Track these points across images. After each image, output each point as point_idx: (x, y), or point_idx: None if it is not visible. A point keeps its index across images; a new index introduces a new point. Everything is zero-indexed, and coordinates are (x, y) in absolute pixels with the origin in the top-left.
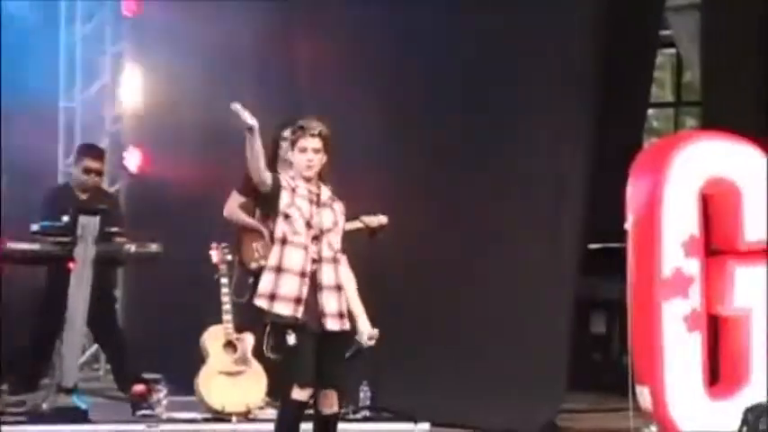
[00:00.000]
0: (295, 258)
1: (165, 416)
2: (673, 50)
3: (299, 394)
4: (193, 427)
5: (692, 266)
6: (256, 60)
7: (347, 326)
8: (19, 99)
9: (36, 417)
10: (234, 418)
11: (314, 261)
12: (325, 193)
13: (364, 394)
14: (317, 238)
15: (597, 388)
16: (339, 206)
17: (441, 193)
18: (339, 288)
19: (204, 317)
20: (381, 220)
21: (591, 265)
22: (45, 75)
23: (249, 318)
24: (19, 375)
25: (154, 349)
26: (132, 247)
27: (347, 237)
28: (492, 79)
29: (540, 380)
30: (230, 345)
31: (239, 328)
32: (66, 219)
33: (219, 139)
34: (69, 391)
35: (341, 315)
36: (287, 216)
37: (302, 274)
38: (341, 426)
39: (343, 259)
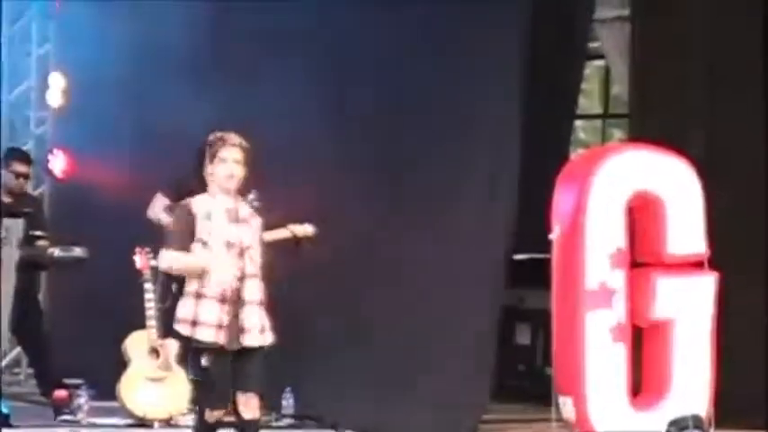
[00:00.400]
0: (214, 283)
1: (86, 421)
2: (602, 62)
3: (211, 416)
4: None
5: (618, 278)
6: (187, 60)
7: (268, 340)
8: None
9: None
10: (156, 424)
11: (238, 279)
12: (244, 208)
13: (287, 401)
14: (240, 255)
15: (521, 398)
16: (256, 221)
17: (369, 195)
18: (262, 303)
19: (129, 322)
20: (307, 230)
21: (516, 276)
22: None
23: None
24: None
25: (77, 354)
26: (56, 251)
27: (274, 246)
28: (419, 84)
29: (464, 389)
30: (154, 351)
31: (163, 334)
32: None
33: (146, 143)
34: None
35: (262, 329)
36: (204, 243)
37: (222, 300)
38: None
39: None
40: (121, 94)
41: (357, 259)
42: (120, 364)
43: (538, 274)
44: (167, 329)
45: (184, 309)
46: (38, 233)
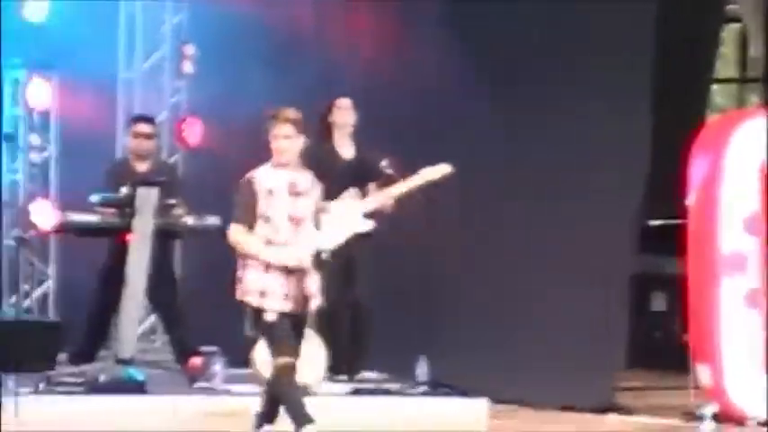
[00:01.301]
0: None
1: (221, 388)
2: (738, 25)
3: (278, 364)
4: (249, 400)
5: (752, 244)
6: (315, 34)
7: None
8: (78, 70)
9: (94, 388)
10: None
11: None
12: (303, 180)
13: (421, 369)
14: (298, 227)
15: (657, 366)
16: (316, 191)
17: (497, 165)
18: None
19: None
20: (444, 169)
21: (651, 242)
22: (105, 46)
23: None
24: (79, 346)
25: (211, 322)
26: (190, 220)
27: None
28: (547, 52)
29: (599, 357)
30: None
31: None
32: (124, 191)
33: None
34: (127, 363)
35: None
36: (267, 219)
37: (288, 271)
38: (399, 400)
39: None
40: (254, 63)
41: (488, 229)
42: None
43: (673, 241)
44: None
45: (253, 280)
46: (172, 202)
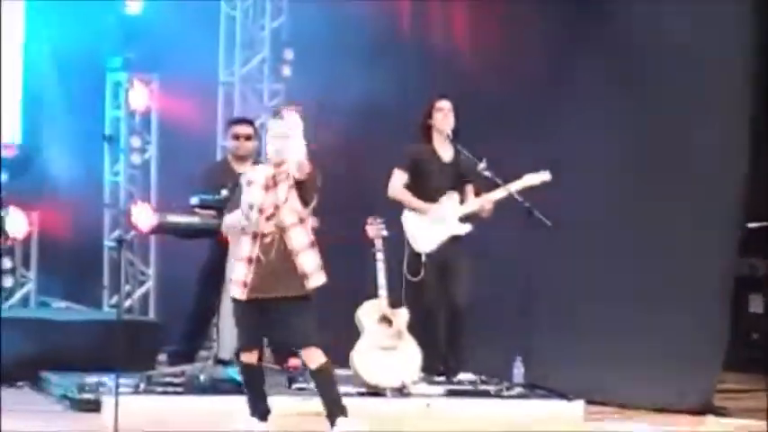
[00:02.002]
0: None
1: None
2: None
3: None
4: (348, 401)
5: None
6: (414, 35)
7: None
8: (178, 73)
9: (193, 388)
10: (388, 393)
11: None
12: (281, 174)
13: (518, 371)
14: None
15: (754, 368)
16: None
17: (596, 166)
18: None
19: (362, 291)
20: (544, 176)
21: (749, 245)
22: (205, 49)
23: (411, 294)
24: (178, 347)
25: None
26: None
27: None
28: (647, 54)
29: (697, 358)
30: (385, 320)
31: (395, 304)
32: (224, 192)
33: (378, 113)
34: (226, 364)
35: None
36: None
37: (249, 260)
38: (496, 402)
39: None
40: (351, 67)
41: (586, 231)
42: (353, 332)
43: None
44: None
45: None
46: None
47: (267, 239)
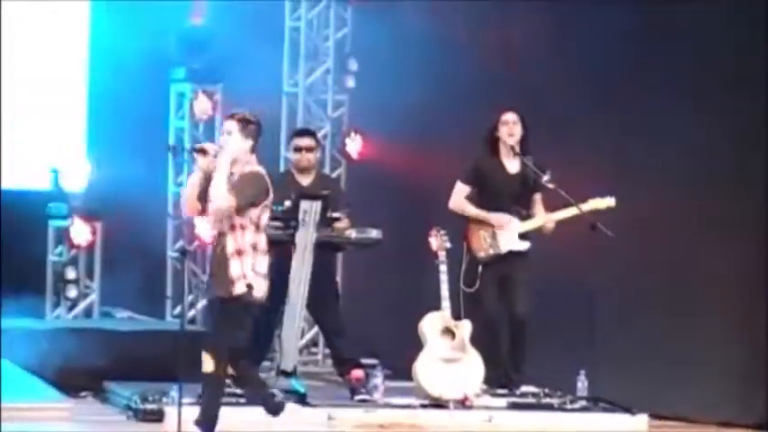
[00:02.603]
0: None
1: (382, 401)
2: None
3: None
4: (410, 413)
5: None
6: (472, 47)
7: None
8: (242, 84)
9: (255, 399)
10: (451, 405)
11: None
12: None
13: (582, 384)
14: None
15: None
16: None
17: (655, 178)
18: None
19: (422, 303)
20: (609, 202)
21: None
22: (269, 60)
23: (470, 306)
24: None
25: (372, 334)
26: (353, 233)
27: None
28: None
29: (761, 373)
30: (448, 331)
31: (458, 316)
32: (288, 204)
33: (440, 127)
34: (288, 375)
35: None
36: None
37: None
38: (559, 415)
39: None
40: (415, 78)
41: (648, 244)
42: (415, 344)
43: None
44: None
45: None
46: (335, 215)
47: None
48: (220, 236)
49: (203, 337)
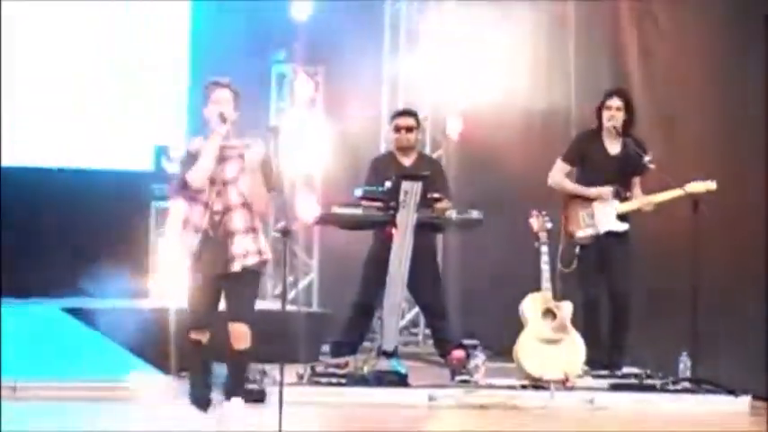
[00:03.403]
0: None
1: (482, 382)
2: None
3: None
4: (511, 394)
5: None
6: (582, 30)
7: (250, 262)
8: (343, 66)
9: (356, 380)
10: (552, 386)
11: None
12: (232, 146)
13: (684, 365)
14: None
15: None
16: (249, 153)
17: (761, 161)
18: (248, 231)
19: (522, 284)
20: (709, 185)
21: None
22: (370, 41)
23: (570, 286)
24: (342, 338)
25: (472, 315)
26: (454, 214)
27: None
28: None
29: None
30: (549, 312)
31: (559, 296)
32: (388, 184)
33: (543, 107)
34: (389, 355)
35: (245, 255)
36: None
37: (198, 229)
38: (660, 396)
39: None
40: (517, 59)
41: (751, 225)
42: (515, 325)
43: None
44: (563, 292)
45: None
46: (436, 195)
47: (216, 216)
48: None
49: (233, 311)
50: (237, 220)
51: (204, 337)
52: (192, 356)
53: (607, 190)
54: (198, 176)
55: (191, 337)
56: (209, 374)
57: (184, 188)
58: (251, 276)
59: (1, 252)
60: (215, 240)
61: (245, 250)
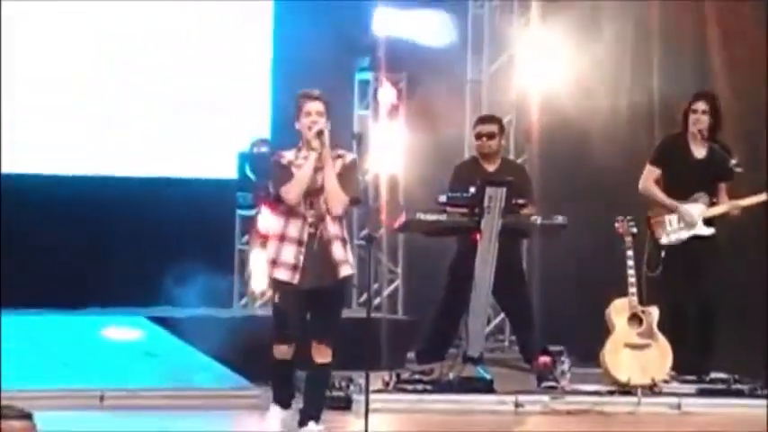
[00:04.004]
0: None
1: (568, 388)
2: None
3: (278, 351)
4: (597, 400)
5: None
6: (665, 33)
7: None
8: (425, 72)
9: (442, 386)
10: (639, 391)
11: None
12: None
13: None
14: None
15: None
16: (339, 162)
17: None
18: (342, 240)
19: (607, 289)
20: None
21: None
22: (452, 48)
23: (656, 291)
24: (427, 345)
25: (557, 321)
26: (538, 219)
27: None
28: None
29: None
30: (635, 318)
31: (645, 301)
32: (473, 190)
33: (627, 111)
34: (475, 362)
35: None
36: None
37: (299, 242)
38: (748, 402)
39: None
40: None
41: None
42: (600, 330)
43: None
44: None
45: (270, 251)
46: (521, 201)
47: (312, 227)
48: (322, 220)
49: (322, 328)
50: (332, 229)
51: (291, 350)
52: (278, 368)
53: (694, 210)
54: (295, 192)
55: (277, 350)
56: (292, 383)
57: (278, 201)
58: (343, 290)
59: (82, 262)
60: (315, 252)
61: (345, 257)
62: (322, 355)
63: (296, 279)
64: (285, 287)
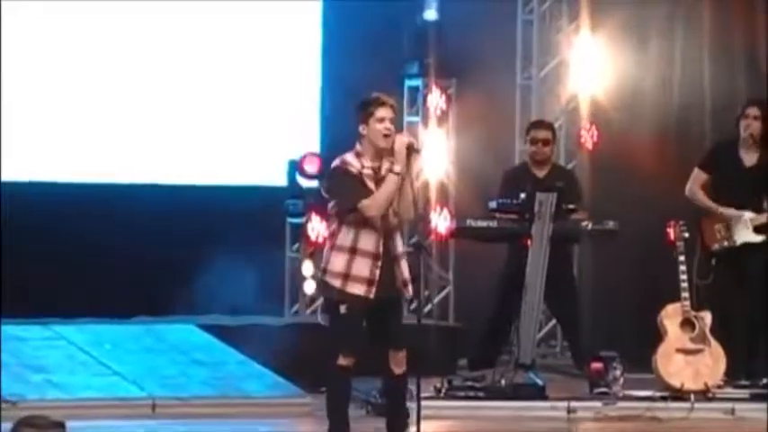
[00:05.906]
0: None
1: (621, 393)
2: None
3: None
4: (650, 405)
5: None
6: (716, 35)
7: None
8: (475, 78)
9: (494, 392)
10: (692, 397)
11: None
12: (386, 164)
13: None
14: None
15: None
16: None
17: None
18: (401, 256)
19: (659, 294)
20: None
21: None
22: (502, 53)
23: (707, 297)
24: (478, 351)
25: (609, 326)
26: (589, 225)
27: None
28: None
29: None
30: (688, 323)
31: (697, 307)
32: (523, 196)
33: (677, 117)
34: (527, 368)
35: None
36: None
37: (375, 256)
38: None
39: None
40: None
41: None
42: (652, 335)
43: None
44: (701, 302)
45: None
46: (571, 206)
47: (382, 240)
48: (392, 233)
49: (397, 336)
50: (399, 244)
51: (352, 363)
52: (337, 381)
53: (737, 215)
54: (379, 208)
55: (340, 363)
56: (349, 396)
57: (351, 212)
58: (402, 300)
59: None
60: (385, 265)
61: (409, 277)
62: (400, 364)
63: (372, 293)
64: (356, 300)
